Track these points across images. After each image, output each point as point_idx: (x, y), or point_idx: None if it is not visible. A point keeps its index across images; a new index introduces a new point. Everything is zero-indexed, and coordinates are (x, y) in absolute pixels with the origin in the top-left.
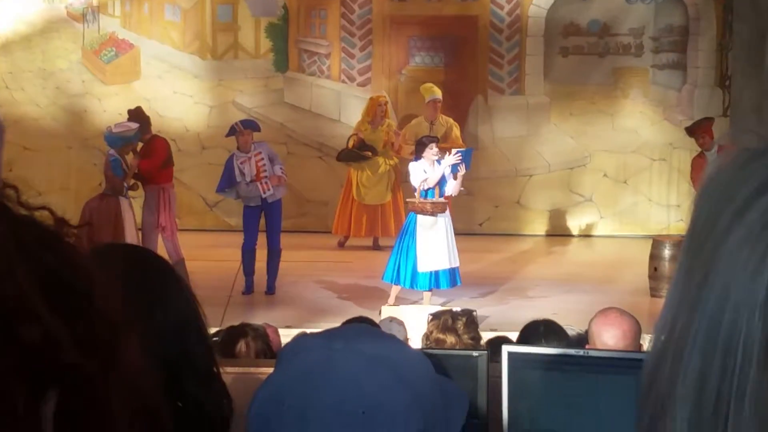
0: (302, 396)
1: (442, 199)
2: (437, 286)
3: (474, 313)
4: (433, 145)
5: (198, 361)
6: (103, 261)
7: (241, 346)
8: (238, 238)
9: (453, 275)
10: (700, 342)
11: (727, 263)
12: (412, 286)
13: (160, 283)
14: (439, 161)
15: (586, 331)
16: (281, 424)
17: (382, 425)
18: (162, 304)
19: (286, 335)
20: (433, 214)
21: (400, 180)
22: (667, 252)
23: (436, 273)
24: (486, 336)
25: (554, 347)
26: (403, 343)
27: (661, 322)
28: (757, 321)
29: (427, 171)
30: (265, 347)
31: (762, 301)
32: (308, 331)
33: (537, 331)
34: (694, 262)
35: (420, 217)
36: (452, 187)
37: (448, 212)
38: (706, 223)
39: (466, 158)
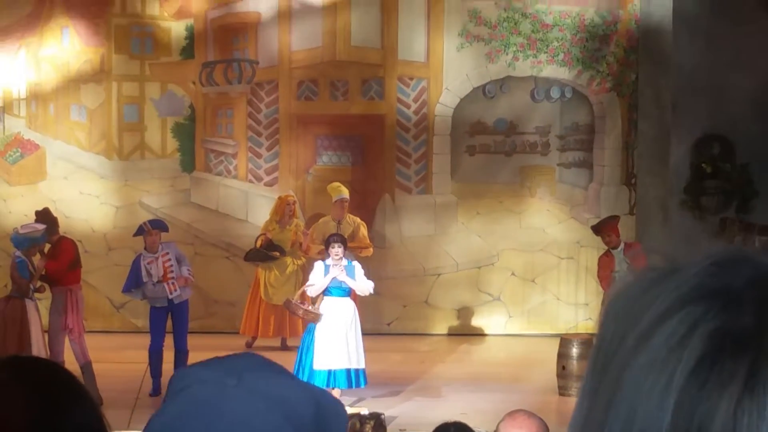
0: None
1: (315, 310)
2: (335, 385)
3: (382, 416)
4: (336, 245)
5: None
6: (8, 378)
7: None
8: (145, 340)
9: (356, 376)
10: None
11: (632, 386)
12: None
13: (66, 399)
14: (349, 262)
15: None
16: None
17: None
18: (69, 420)
19: None
20: (303, 319)
21: (307, 280)
22: (575, 350)
23: (335, 372)
24: None
25: None
26: (291, 376)
27: None
28: None
29: (317, 277)
30: None
31: (668, 426)
32: None
33: None
34: (600, 382)
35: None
36: (360, 288)
37: (356, 311)
38: (611, 343)
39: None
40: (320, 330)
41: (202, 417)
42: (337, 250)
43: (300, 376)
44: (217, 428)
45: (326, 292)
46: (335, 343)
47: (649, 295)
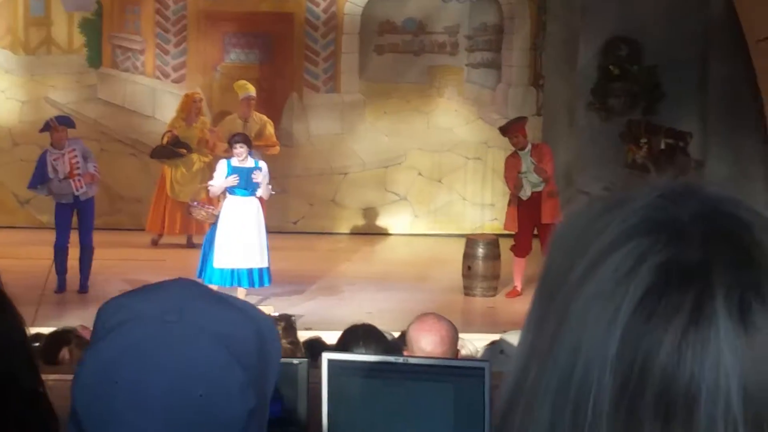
0: (136, 374)
1: (214, 211)
2: (238, 284)
3: (292, 317)
4: (239, 144)
5: (24, 382)
6: None
7: (64, 353)
8: (51, 236)
9: (259, 275)
10: (551, 395)
11: (579, 317)
12: (210, 282)
13: None
14: (256, 162)
15: (403, 333)
16: (113, 404)
17: (218, 406)
18: None
19: None
20: (204, 221)
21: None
22: (480, 251)
23: (238, 271)
24: (302, 336)
25: (373, 353)
26: (231, 305)
27: (514, 367)
28: (608, 377)
29: (219, 175)
30: None
31: (613, 357)
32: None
33: (356, 335)
34: (547, 311)
35: (223, 214)
36: (262, 191)
37: (260, 210)
38: (558, 272)
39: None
40: (222, 229)
41: (143, 358)
42: (239, 149)
43: (202, 274)
44: (161, 370)
45: (230, 190)
46: (237, 243)
47: (596, 225)
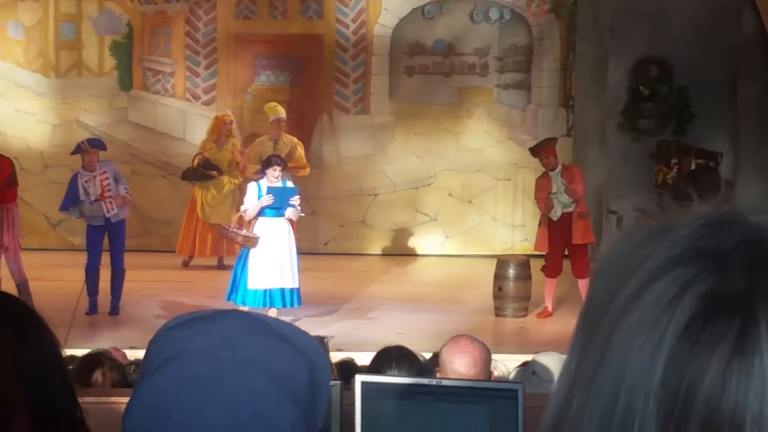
0: (190, 410)
1: (251, 234)
2: (271, 304)
3: (325, 339)
4: (276, 167)
5: (61, 406)
6: None
7: (98, 375)
8: (82, 258)
9: (290, 296)
10: (595, 424)
11: (622, 346)
12: (243, 303)
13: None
14: (284, 182)
15: (435, 354)
16: None
17: None
18: (29, 348)
19: (133, 356)
20: (242, 245)
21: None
22: (511, 272)
23: (270, 292)
24: (334, 357)
25: (406, 374)
26: (285, 338)
27: (557, 395)
28: (651, 406)
29: (250, 199)
30: (122, 378)
31: (657, 385)
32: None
33: (389, 357)
34: (590, 339)
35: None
36: (290, 213)
37: (291, 231)
38: (602, 300)
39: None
40: (255, 250)
41: (197, 394)
42: (276, 172)
43: (234, 295)
44: (214, 406)
45: (261, 212)
46: (270, 263)
47: (639, 254)
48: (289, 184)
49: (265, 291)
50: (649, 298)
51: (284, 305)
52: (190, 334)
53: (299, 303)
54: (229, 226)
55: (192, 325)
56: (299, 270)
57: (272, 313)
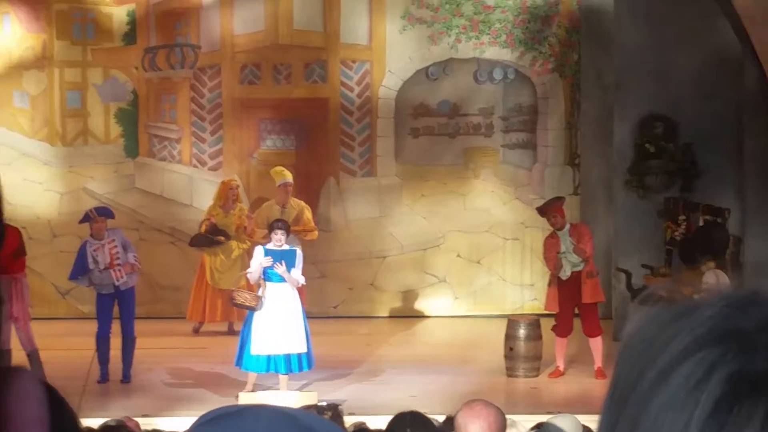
0: None
1: (257, 295)
2: (275, 370)
3: (340, 406)
4: (277, 231)
5: None
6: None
7: None
8: (92, 326)
9: (298, 360)
10: None
11: (650, 427)
12: (247, 369)
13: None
14: (291, 248)
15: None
16: None
17: None
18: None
19: (145, 424)
20: (246, 307)
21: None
22: (522, 331)
23: (274, 357)
24: (346, 421)
25: None
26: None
27: None
28: None
29: (255, 262)
30: None
31: None
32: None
33: (404, 423)
34: (618, 420)
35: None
36: (290, 280)
37: (296, 295)
38: (627, 381)
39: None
40: (258, 315)
41: None
42: (279, 236)
43: (240, 362)
44: None
45: (266, 277)
46: (273, 328)
47: (665, 334)
48: (297, 249)
49: (268, 357)
50: (675, 380)
51: (290, 370)
52: (219, 431)
53: (309, 366)
54: (235, 289)
55: (220, 422)
56: (308, 333)
57: (282, 380)
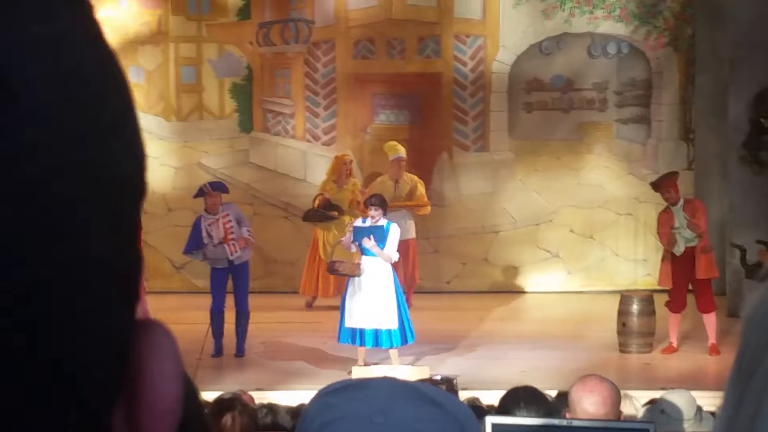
0: None
1: (357, 263)
2: (361, 343)
3: (454, 381)
4: (371, 207)
5: None
6: None
7: (227, 419)
8: (206, 300)
9: (388, 336)
10: None
11: None
12: (340, 341)
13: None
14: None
15: (561, 393)
16: None
17: None
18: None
19: (259, 398)
20: (344, 274)
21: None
22: (635, 307)
23: (360, 331)
24: (460, 396)
25: (534, 415)
26: (436, 401)
27: None
28: None
29: (346, 237)
30: (252, 423)
31: None
32: (295, 393)
33: (517, 397)
34: (745, 393)
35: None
36: (382, 255)
37: (389, 272)
38: (754, 355)
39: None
40: (351, 290)
41: None
42: (373, 212)
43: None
44: None
45: (362, 251)
46: (362, 303)
47: None
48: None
49: (355, 329)
50: None
51: (378, 345)
52: (343, 401)
53: (402, 342)
54: (336, 260)
55: (344, 393)
56: (404, 309)
57: (392, 354)
